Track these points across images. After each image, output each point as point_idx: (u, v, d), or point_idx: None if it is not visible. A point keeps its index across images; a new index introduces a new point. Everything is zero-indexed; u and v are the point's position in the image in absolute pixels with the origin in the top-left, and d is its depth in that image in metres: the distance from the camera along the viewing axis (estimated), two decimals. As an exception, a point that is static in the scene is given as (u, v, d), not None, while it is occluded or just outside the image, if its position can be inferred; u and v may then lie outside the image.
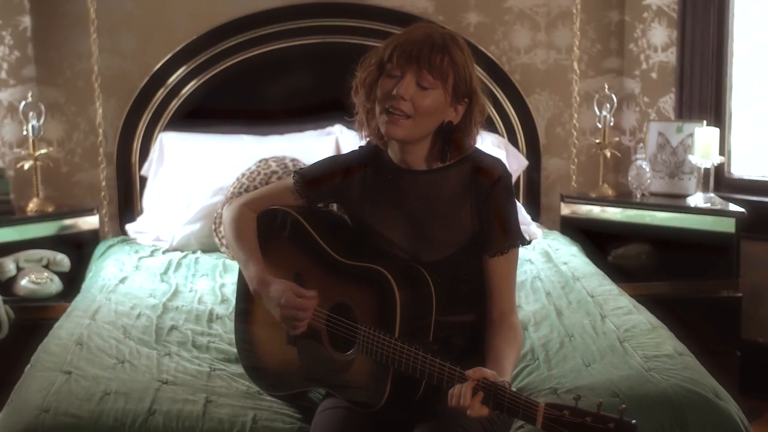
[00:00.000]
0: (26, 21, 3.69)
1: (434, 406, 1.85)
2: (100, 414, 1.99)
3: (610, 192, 3.74)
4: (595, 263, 3.20)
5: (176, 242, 3.43)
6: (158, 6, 3.80)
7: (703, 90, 3.68)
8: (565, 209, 3.77)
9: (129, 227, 3.68)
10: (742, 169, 3.77)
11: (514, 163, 3.73)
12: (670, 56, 3.78)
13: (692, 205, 3.51)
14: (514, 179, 3.77)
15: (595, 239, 3.62)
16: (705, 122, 3.59)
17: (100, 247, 3.52)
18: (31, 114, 3.54)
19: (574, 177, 3.95)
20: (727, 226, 3.40)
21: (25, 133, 3.55)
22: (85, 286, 3.10)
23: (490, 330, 1.94)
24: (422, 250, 1.97)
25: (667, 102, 3.81)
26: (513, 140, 3.87)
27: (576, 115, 3.93)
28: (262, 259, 2.07)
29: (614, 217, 3.65)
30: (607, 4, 3.93)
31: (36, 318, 3.08)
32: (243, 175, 3.42)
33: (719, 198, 3.54)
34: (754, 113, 3.74)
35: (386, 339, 1.82)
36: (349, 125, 2.08)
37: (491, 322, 1.95)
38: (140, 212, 3.75)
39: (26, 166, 3.55)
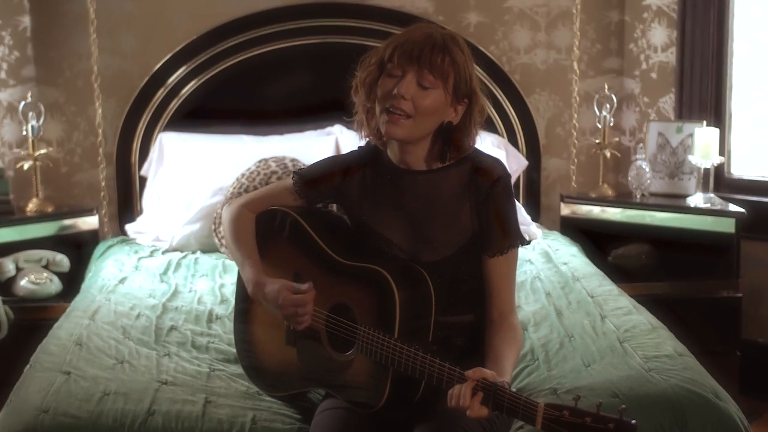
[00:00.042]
0: (26, 21, 3.69)
1: (434, 407, 1.85)
2: (99, 414, 1.99)
3: (610, 192, 3.74)
4: (595, 263, 3.20)
5: (176, 242, 3.43)
6: (158, 6, 3.79)
7: (703, 90, 3.68)
8: (565, 209, 3.77)
9: (128, 227, 3.67)
10: (741, 169, 3.77)
11: (514, 163, 3.73)
12: (670, 56, 3.78)
13: (692, 205, 3.51)
14: (514, 179, 3.77)
15: (595, 239, 3.62)
16: (705, 122, 3.58)
17: (100, 248, 3.52)
18: (30, 114, 3.54)
19: (573, 177, 3.95)
20: (727, 226, 3.39)
21: (24, 133, 3.55)
22: (84, 286, 3.10)
23: (489, 330, 1.94)
24: (422, 250, 1.96)
25: (667, 102, 3.81)
26: (513, 140, 3.87)
27: (576, 116, 3.93)
28: (261, 259, 2.07)
29: (614, 218, 3.65)
30: (607, 4, 3.92)
31: (35, 318, 3.08)
32: (243, 175, 3.42)
33: (719, 198, 3.54)
34: (754, 113, 3.74)
35: (385, 339, 1.81)
36: (349, 125, 2.07)
37: (491, 323, 1.95)
38: (140, 212, 3.75)
39: (26, 166, 3.55)
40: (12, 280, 3.29)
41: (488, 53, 3.84)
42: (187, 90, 3.78)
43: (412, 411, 1.87)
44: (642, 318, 2.51)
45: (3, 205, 3.47)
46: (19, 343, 2.62)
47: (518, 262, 2.04)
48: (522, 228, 2.06)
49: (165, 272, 3.14)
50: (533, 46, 3.93)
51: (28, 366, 2.27)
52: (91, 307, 2.70)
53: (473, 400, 1.66)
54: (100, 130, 3.78)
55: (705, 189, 3.55)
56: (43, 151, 3.60)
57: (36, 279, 3.25)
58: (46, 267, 3.35)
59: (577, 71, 3.91)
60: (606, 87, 3.80)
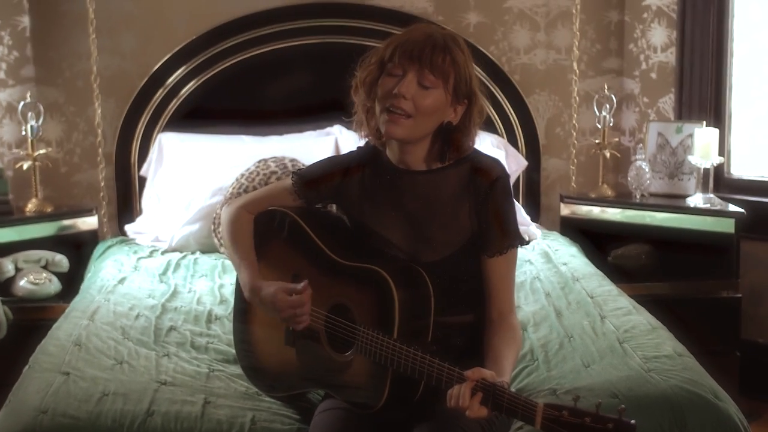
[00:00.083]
0: (25, 21, 3.69)
1: (433, 407, 1.85)
2: (98, 415, 1.99)
3: (609, 192, 3.74)
4: (594, 264, 3.20)
5: (175, 243, 3.42)
6: (157, 6, 3.79)
7: (702, 90, 3.68)
8: (565, 210, 3.76)
9: (128, 228, 3.67)
10: (741, 169, 3.76)
11: (514, 163, 3.73)
12: (670, 56, 3.78)
13: (692, 205, 3.50)
14: (513, 180, 3.77)
15: (594, 240, 3.61)
16: (704, 123, 3.58)
17: (99, 248, 3.52)
18: (29, 114, 3.54)
19: (573, 177, 3.95)
20: (727, 226, 3.39)
21: (23, 133, 3.55)
22: (83, 286, 3.10)
23: (489, 330, 1.94)
24: (421, 250, 1.96)
25: (667, 102, 3.81)
26: (512, 140, 3.86)
27: (575, 116, 3.93)
28: (260, 260, 2.07)
29: (614, 218, 3.65)
30: (607, 4, 3.92)
31: (34, 319, 3.08)
32: (242, 175, 3.42)
33: (719, 198, 3.54)
34: (754, 113, 3.74)
35: (385, 340, 1.81)
36: (349, 126, 2.07)
37: (490, 323, 1.95)
38: (139, 213, 3.75)
39: (25, 166, 3.55)
40: (11, 281, 3.28)
41: (488, 53, 3.84)
42: (186, 90, 3.78)
43: (412, 411, 1.86)
44: (641, 318, 2.51)
45: (2, 206, 3.47)
46: (18, 344, 2.61)
47: (518, 262, 2.04)
48: (522, 228, 2.07)
49: (164, 273, 3.14)
50: (533, 46, 3.93)
51: (27, 366, 2.27)
52: (90, 307, 2.70)
53: (472, 400, 1.66)
54: (99, 131, 3.77)
55: (705, 189, 3.54)
56: (42, 152, 3.59)
57: (35, 279, 3.25)
58: (45, 267, 3.35)
59: (577, 71, 3.90)
60: (606, 87, 3.80)
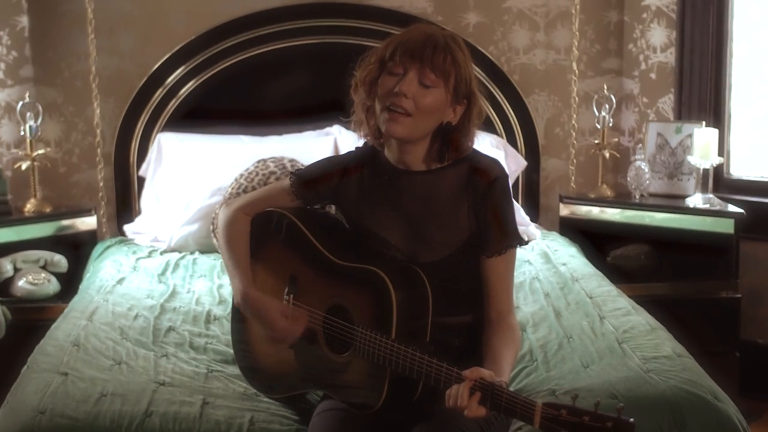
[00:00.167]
0: (24, 21, 3.69)
1: (432, 407, 1.84)
2: (96, 416, 1.99)
3: (609, 193, 3.74)
4: (594, 264, 3.20)
5: (174, 243, 3.42)
6: (156, 6, 3.79)
7: (702, 90, 3.68)
8: (564, 210, 3.76)
9: (127, 228, 3.67)
10: (741, 169, 3.76)
11: (513, 163, 3.73)
12: (669, 57, 3.78)
13: (691, 205, 3.50)
14: (512, 180, 3.77)
15: (594, 240, 3.61)
16: (704, 123, 3.58)
17: (98, 248, 3.51)
18: (28, 114, 3.54)
19: (573, 177, 3.95)
20: (726, 226, 3.39)
21: (22, 133, 3.54)
22: (82, 287, 3.09)
23: (487, 331, 1.93)
24: (419, 250, 1.96)
25: (666, 102, 3.81)
26: (512, 141, 3.86)
27: (575, 116, 3.93)
28: (257, 263, 2.08)
29: (613, 218, 3.65)
30: (606, 4, 3.92)
31: (33, 319, 3.07)
32: (241, 175, 3.41)
33: (718, 199, 3.54)
34: (754, 114, 3.73)
35: (383, 340, 1.81)
36: (348, 126, 2.07)
37: (489, 323, 1.94)
38: (138, 213, 3.74)
39: (24, 166, 3.54)
40: (10, 281, 3.28)
41: (487, 53, 3.84)
42: (185, 90, 3.77)
43: (410, 412, 1.86)
44: (641, 319, 2.51)
45: (1, 206, 3.47)
46: (16, 344, 2.61)
47: (517, 262, 2.03)
48: (521, 228, 2.07)
49: (163, 273, 3.13)
50: (532, 46, 3.93)
51: (25, 367, 2.27)
52: (89, 307, 2.70)
53: (471, 399, 1.66)
54: (98, 131, 3.77)
55: (704, 189, 3.54)
56: (41, 152, 3.59)
57: (34, 279, 3.25)
58: (44, 267, 3.34)
59: (576, 71, 3.90)
60: (605, 87, 3.80)
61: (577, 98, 3.92)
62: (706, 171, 3.53)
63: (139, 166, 3.76)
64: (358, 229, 2.02)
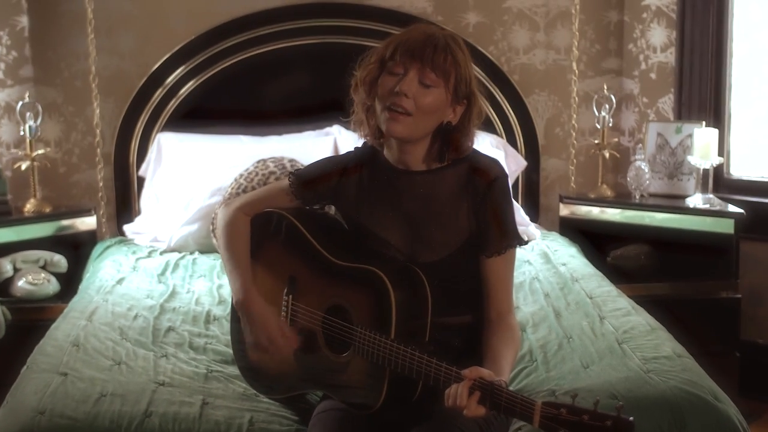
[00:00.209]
0: (24, 21, 3.69)
1: (431, 407, 1.84)
2: (96, 416, 1.99)
3: (609, 193, 3.74)
4: (594, 264, 3.20)
5: (174, 243, 3.42)
6: (156, 6, 3.79)
7: (702, 90, 3.68)
8: (564, 210, 3.76)
9: (126, 228, 3.67)
10: (741, 169, 3.76)
11: (513, 163, 3.73)
12: (669, 57, 3.78)
13: (691, 205, 3.50)
14: (512, 180, 3.77)
15: (594, 240, 3.61)
16: (704, 123, 3.58)
17: (98, 248, 3.51)
18: (28, 114, 3.54)
19: (572, 178, 3.95)
20: (726, 227, 3.39)
21: (22, 133, 3.54)
22: (82, 287, 3.09)
23: (487, 330, 1.93)
24: (419, 250, 1.96)
25: (666, 102, 3.81)
26: (512, 141, 3.86)
27: (575, 116, 3.93)
28: (256, 263, 2.08)
29: (613, 218, 3.64)
30: (606, 4, 3.92)
31: (33, 319, 3.07)
32: (241, 175, 3.41)
33: (718, 199, 3.54)
34: (754, 114, 3.73)
35: (382, 340, 1.81)
36: (347, 126, 2.07)
37: (489, 323, 1.94)
38: (138, 213, 3.74)
39: (23, 166, 3.54)
40: (9, 281, 3.28)
41: (487, 53, 3.84)
42: (185, 90, 3.77)
43: (410, 412, 1.86)
44: (641, 319, 2.51)
45: (1, 206, 3.47)
46: (16, 344, 2.61)
47: (517, 262, 2.03)
48: (521, 228, 2.07)
49: (163, 273, 3.13)
50: (532, 46, 3.92)
51: (24, 367, 2.27)
52: (89, 308, 2.70)
53: (470, 399, 1.66)
54: (98, 131, 3.77)
55: (704, 189, 3.54)
56: (40, 152, 3.59)
57: (33, 280, 3.25)
58: (43, 267, 3.34)
59: (576, 71, 3.90)
60: (605, 87, 3.79)
61: (577, 98, 3.91)
62: (706, 171, 3.53)
63: (138, 166, 3.76)
64: (357, 230, 2.02)
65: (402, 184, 1.98)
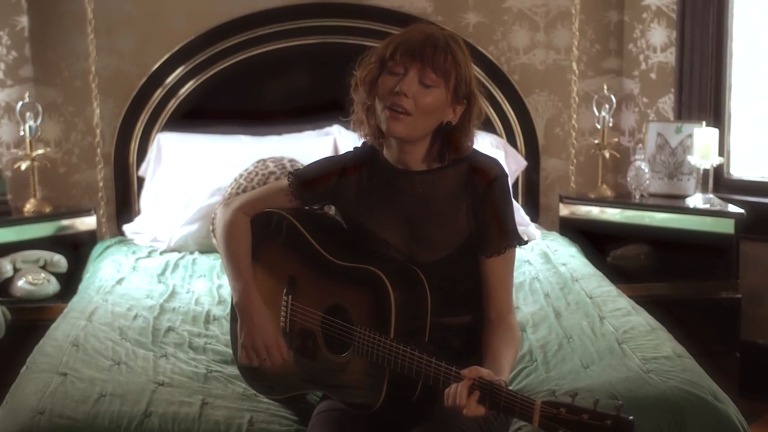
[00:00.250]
0: (23, 21, 3.69)
1: (431, 407, 1.84)
2: (95, 416, 1.98)
3: (609, 193, 3.74)
4: (594, 264, 3.20)
5: (174, 243, 3.42)
6: (156, 6, 3.79)
7: (702, 90, 3.67)
8: (564, 210, 3.76)
9: (126, 228, 3.67)
10: (741, 169, 3.76)
11: (513, 163, 3.72)
12: (670, 57, 3.78)
13: (691, 206, 3.50)
14: (512, 180, 3.77)
15: (594, 240, 3.61)
16: (704, 123, 3.58)
17: (98, 248, 3.51)
18: (28, 114, 3.54)
19: (572, 178, 3.94)
20: (727, 227, 3.39)
21: (22, 133, 3.55)
22: (81, 287, 3.09)
23: (487, 330, 1.93)
24: (418, 250, 1.96)
25: (666, 102, 3.81)
26: (512, 141, 3.86)
27: (575, 116, 3.92)
28: (256, 263, 2.08)
29: (613, 218, 3.64)
30: (607, 4, 3.92)
31: (33, 319, 3.07)
32: (241, 175, 3.41)
33: (718, 199, 3.54)
34: (754, 114, 3.73)
35: (381, 340, 1.81)
36: (347, 125, 2.07)
37: (488, 323, 1.94)
38: (138, 213, 3.74)
39: (23, 166, 3.54)
40: (9, 281, 3.28)
41: (487, 53, 3.83)
42: (185, 90, 3.77)
43: (409, 412, 1.86)
44: (641, 319, 2.51)
45: (0, 206, 3.47)
46: (16, 344, 2.61)
47: (517, 262, 2.03)
48: (521, 228, 2.06)
49: (163, 273, 3.13)
50: (532, 46, 3.92)
51: (24, 367, 2.27)
52: (88, 308, 2.69)
53: (470, 399, 1.65)
54: (98, 131, 3.77)
55: (704, 190, 3.54)
56: (40, 152, 3.59)
57: (33, 280, 3.25)
58: (43, 267, 3.34)
59: (576, 71, 3.90)
60: (605, 87, 3.79)
61: (577, 98, 3.91)
62: (706, 171, 3.53)
63: (138, 166, 3.76)
64: (356, 230, 2.02)
65: (401, 184, 1.98)
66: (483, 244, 1.94)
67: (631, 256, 3.57)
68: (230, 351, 2.32)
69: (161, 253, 3.38)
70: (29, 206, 3.55)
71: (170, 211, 3.53)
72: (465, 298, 1.96)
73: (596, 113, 3.76)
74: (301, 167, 2.19)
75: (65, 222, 3.56)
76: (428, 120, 1.91)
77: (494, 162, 1.97)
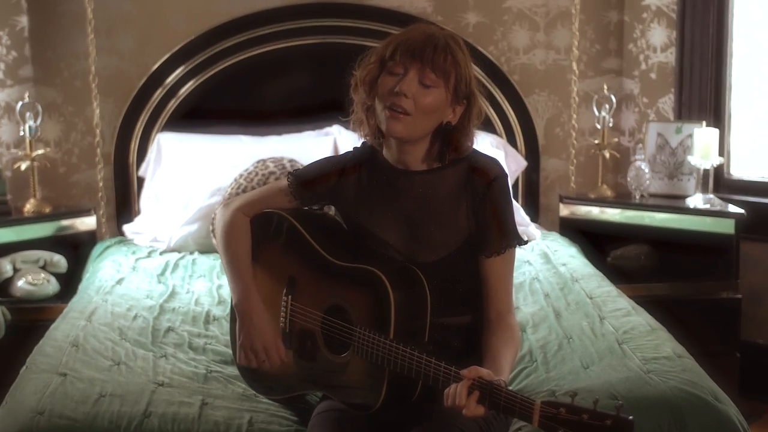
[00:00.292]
0: (23, 21, 3.69)
1: (431, 408, 1.84)
2: (95, 416, 1.98)
3: (609, 193, 3.73)
4: (594, 264, 3.19)
5: (173, 243, 3.42)
6: (156, 6, 3.78)
7: (702, 90, 3.67)
8: (564, 210, 3.76)
9: (126, 228, 3.67)
10: (741, 170, 3.76)
11: (513, 163, 3.72)
12: (670, 57, 3.77)
13: (691, 206, 3.50)
14: (512, 180, 3.77)
15: (594, 240, 3.61)
16: (704, 123, 3.58)
17: (97, 248, 3.51)
18: (28, 114, 3.53)
19: (573, 178, 3.94)
20: (727, 227, 3.39)
21: (22, 133, 3.54)
22: (81, 287, 3.09)
23: (487, 330, 1.93)
24: (418, 251, 1.95)
25: (667, 102, 3.80)
26: (512, 141, 3.86)
27: (575, 116, 3.92)
28: (255, 263, 2.07)
29: (613, 218, 3.64)
30: (607, 4, 3.92)
31: (32, 319, 3.07)
32: (240, 175, 3.41)
33: (718, 199, 3.53)
34: (754, 114, 3.73)
35: (381, 340, 1.81)
36: (347, 125, 2.07)
37: (488, 323, 1.94)
38: (137, 213, 3.74)
39: (23, 166, 3.54)
40: (9, 281, 3.28)
41: (487, 53, 3.83)
42: (185, 90, 3.77)
43: (409, 412, 1.86)
44: (641, 319, 2.50)
45: (0, 206, 3.47)
46: (15, 345, 2.62)
47: (517, 263, 2.03)
48: (521, 228, 2.06)
49: (162, 273, 3.13)
50: (532, 46, 3.92)
51: (24, 367, 2.27)
52: (88, 308, 2.69)
53: (469, 399, 1.65)
54: (97, 131, 3.77)
55: (704, 190, 3.54)
56: (40, 152, 3.59)
57: (33, 280, 3.24)
58: (43, 268, 3.34)
59: (576, 71, 3.90)
60: (605, 87, 3.79)
61: (577, 98, 3.91)
62: (706, 171, 3.53)
63: (138, 166, 3.76)
64: (356, 230, 2.02)
65: (401, 184, 1.97)
66: (483, 244, 1.94)
67: (631, 256, 3.57)
68: (230, 351, 2.32)
69: (161, 254, 3.38)
70: (29, 206, 3.55)
71: (170, 212, 3.53)
72: (465, 298, 1.96)
73: (596, 113, 3.76)
74: (300, 167, 2.19)
75: (65, 222, 3.56)
76: (428, 120, 1.91)
77: (494, 162, 1.97)
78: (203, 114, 3.76)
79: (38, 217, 3.52)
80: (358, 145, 2.09)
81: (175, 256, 3.34)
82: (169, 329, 2.57)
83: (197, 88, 3.77)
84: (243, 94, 3.79)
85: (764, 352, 3.61)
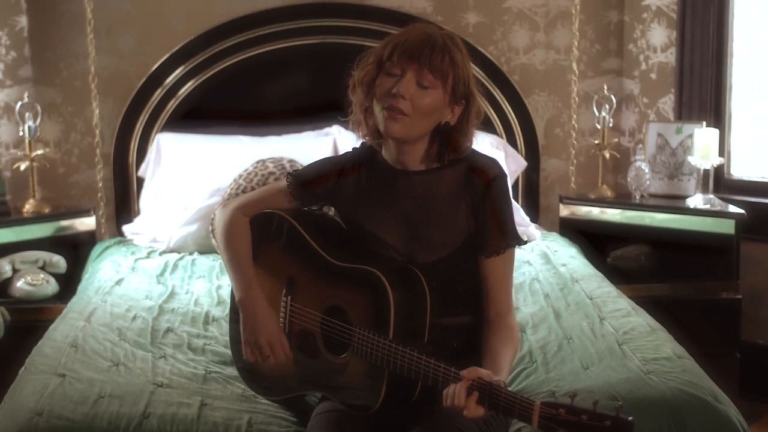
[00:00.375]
0: (23, 21, 3.68)
1: (430, 408, 1.84)
2: (94, 417, 1.98)
3: (609, 193, 3.73)
4: (594, 265, 3.19)
5: (173, 244, 3.41)
6: (156, 6, 3.78)
7: (702, 91, 3.67)
8: (564, 210, 3.75)
9: (126, 228, 3.66)
10: (741, 170, 3.75)
11: (513, 164, 3.72)
12: (670, 57, 3.77)
13: (692, 206, 3.49)
14: (512, 180, 3.76)
15: (594, 240, 3.60)
16: (704, 123, 3.57)
17: (97, 249, 3.51)
18: (27, 114, 3.53)
19: (573, 178, 3.94)
20: (727, 227, 3.38)
21: (21, 133, 3.54)
22: (80, 287, 3.09)
23: (486, 330, 1.93)
24: (417, 251, 1.95)
25: (667, 103, 3.80)
26: (512, 141, 3.85)
27: (575, 116, 3.92)
28: (255, 263, 2.07)
29: (613, 219, 3.64)
30: (607, 4, 3.91)
31: (32, 320, 3.06)
32: (240, 176, 3.41)
33: (719, 199, 3.53)
34: (754, 114, 3.73)
35: (380, 340, 1.80)
36: (346, 125, 2.07)
37: (488, 323, 1.94)
38: (137, 213, 3.74)
39: (22, 167, 3.54)
40: (8, 282, 3.27)
41: (487, 53, 3.83)
42: (184, 90, 3.77)
43: (409, 413, 1.85)
44: (641, 320, 2.50)
45: (0, 206, 3.46)
46: (14, 345, 2.61)
47: (517, 263, 2.03)
48: (521, 229, 2.06)
49: (162, 274, 3.13)
50: (532, 46, 3.92)
51: (22, 368, 2.27)
52: (87, 308, 2.69)
53: (469, 399, 1.65)
54: (97, 131, 3.76)
55: (705, 190, 3.53)
56: (40, 152, 3.58)
57: (32, 280, 3.24)
58: (42, 268, 3.34)
59: (576, 72, 3.90)
60: (605, 87, 3.79)
61: (577, 98, 3.91)
62: (706, 171, 3.52)
63: (138, 167, 3.75)
64: (355, 230, 2.02)
65: (400, 185, 1.97)
66: (482, 245, 1.93)
67: (631, 256, 3.57)
68: (229, 352, 2.31)
69: (160, 254, 3.38)
70: (28, 207, 3.55)
71: (170, 212, 3.53)
72: (464, 298, 1.96)
73: (596, 113, 3.75)
74: (300, 168, 2.19)
75: (64, 222, 3.56)
76: (426, 121, 1.90)
77: (493, 162, 1.97)
78: (203, 114, 3.76)
79: (37, 218, 3.52)
80: (358, 145, 2.09)
81: (175, 256, 3.34)
82: (169, 330, 2.57)
83: (197, 89, 3.77)
84: (242, 94, 3.79)
85: (764, 352, 3.60)
